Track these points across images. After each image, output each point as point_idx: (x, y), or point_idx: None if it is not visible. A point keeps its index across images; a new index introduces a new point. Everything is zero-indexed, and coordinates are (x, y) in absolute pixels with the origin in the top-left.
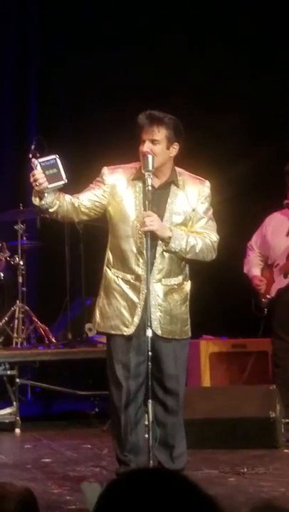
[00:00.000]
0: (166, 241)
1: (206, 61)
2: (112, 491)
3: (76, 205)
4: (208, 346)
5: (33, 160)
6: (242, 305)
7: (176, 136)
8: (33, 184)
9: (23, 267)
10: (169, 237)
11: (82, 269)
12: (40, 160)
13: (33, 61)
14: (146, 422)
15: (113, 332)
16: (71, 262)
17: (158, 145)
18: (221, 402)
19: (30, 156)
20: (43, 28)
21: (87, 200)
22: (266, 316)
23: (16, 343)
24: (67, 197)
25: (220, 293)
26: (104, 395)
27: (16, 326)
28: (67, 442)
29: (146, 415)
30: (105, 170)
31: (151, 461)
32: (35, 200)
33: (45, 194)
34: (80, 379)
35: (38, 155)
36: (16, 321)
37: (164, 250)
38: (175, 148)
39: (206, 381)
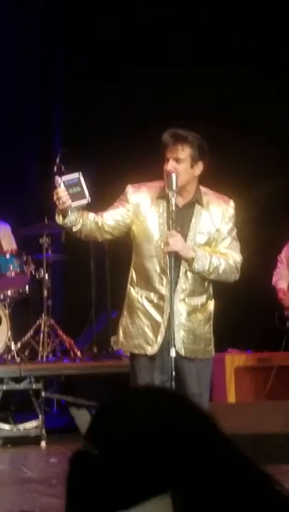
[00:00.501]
0: (190, 262)
1: (231, 79)
2: (105, 411)
3: (100, 224)
4: (234, 360)
5: (57, 178)
6: (268, 319)
7: (200, 154)
8: (57, 203)
9: (48, 281)
10: (193, 258)
11: (108, 282)
12: (64, 178)
13: (58, 74)
14: None
15: (136, 351)
16: (96, 275)
17: (182, 164)
18: (245, 418)
19: (55, 169)
20: (68, 40)
21: (111, 219)
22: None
23: (42, 357)
24: (91, 215)
25: (245, 307)
26: None
27: (41, 340)
28: None
29: None
30: (129, 188)
31: None
32: (59, 219)
33: (69, 212)
34: (106, 391)
35: (62, 168)
36: (42, 335)
37: (187, 271)
38: (199, 167)
39: (231, 395)
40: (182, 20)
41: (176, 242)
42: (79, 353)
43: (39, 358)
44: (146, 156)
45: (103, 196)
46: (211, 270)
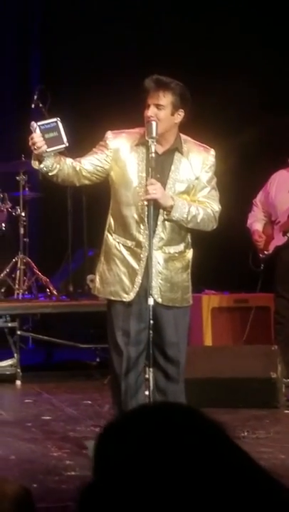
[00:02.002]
0: (168, 210)
1: (213, 25)
2: (109, 433)
3: (77, 169)
4: (210, 301)
5: (32, 123)
6: (244, 260)
7: (182, 102)
8: (32, 147)
9: (24, 218)
10: (171, 206)
11: (85, 220)
12: (40, 123)
13: (36, 12)
14: (147, 391)
15: (113, 298)
16: (73, 213)
17: (162, 110)
18: (222, 362)
19: (33, 106)
20: None
21: (89, 164)
22: (263, 271)
23: (18, 294)
24: (69, 160)
25: (222, 251)
26: (105, 348)
27: (17, 277)
28: (68, 397)
29: (146, 382)
30: (109, 134)
31: None
32: (35, 164)
33: (45, 158)
34: (81, 330)
35: (40, 105)
36: (18, 272)
37: (165, 219)
38: (180, 115)
39: (208, 336)
40: None
41: (156, 190)
42: (55, 291)
43: (15, 295)
44: (127, 101)
45: (82, 141)
46: (189, 219)
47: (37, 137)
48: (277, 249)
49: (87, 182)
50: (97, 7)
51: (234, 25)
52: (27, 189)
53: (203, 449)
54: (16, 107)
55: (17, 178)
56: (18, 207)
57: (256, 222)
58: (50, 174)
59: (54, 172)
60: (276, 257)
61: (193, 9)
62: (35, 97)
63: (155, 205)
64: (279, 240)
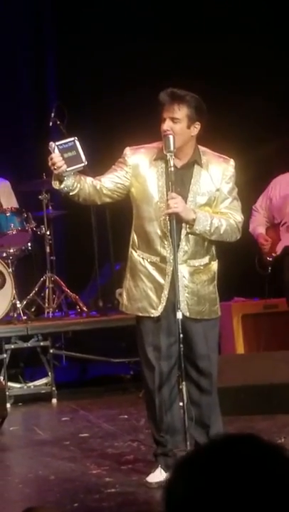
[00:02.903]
0: (191, 223)
1: (231, 38)
2: (179, 470)
3: (98, 187)
4: (240, 308)
5: (51, 143)
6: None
7: (197, 115)
8: (52, 168)
9: (50, 237)
10: (193, 220)
11: (110, 234)
12: (58, 143)
13: (52, 27)
14: (181, 403)
15: (140, 314)
16: (98, 228)
17: (178, 124)
18: (256, 369)
19: (51, 123)
20: None
21: (110, 182)
22: (270, 275)
23: (48, 313)
24: (89, 179)
25: (249, 256)
26: (138, 361)
27: (46, 296)
28: (104, 412)
29: (180, 396)
30: (127, 150)
31: (188, 442)
32: (55, 184)
33: (65, 177)
34: (113, 344)
35: (58, 122)
36: (46, 291)
37: (188, 233)
38: (196, 128)
39: (240, 344)
40: None
41: (177, 204)
42: (85, 308)
43: (45, 314)
44: (145, 116)
45: (101, 157)
46: (212, 231)
47: (56, 157)
48: (287, 249)
49: (108, 200)
50: (113, 21)
51: (253, 38)
52: (50, 207)
53: (270, 479)
54: (34, 126)
55: (40, 197)
56: (42, 226)
57: (259, 226)
58: (71, 194)
59: (75, 192)
60: (286, 257)
61: (211, 22)
62: (53, 114)
63: (177, 219)
64: (287, 240)
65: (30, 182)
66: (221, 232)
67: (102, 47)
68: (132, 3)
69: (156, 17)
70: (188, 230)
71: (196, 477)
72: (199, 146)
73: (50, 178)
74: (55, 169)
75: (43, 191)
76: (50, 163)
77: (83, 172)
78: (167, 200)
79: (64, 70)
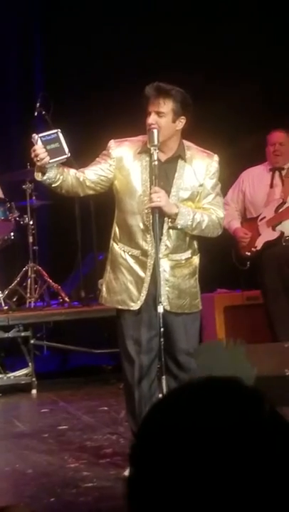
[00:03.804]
0: (173, 217)
1: (217, 30)
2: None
3: (81, 179)
4: (223, 300)
5: (34, 135)
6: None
7: (183, 109)
8: (34, 159)
9: (33, 227)
10: (176, 214)
11: (93, 225)
12: (41, 134)
13: (38, 18)
14: (161, 396)
15: (120, 307)
16: (81, 218)
17: (163, 117)
18: None
19: (36, 113)
20: None
21: (93, 174)
22: (249, 269)
23: (30, 303)
24: (72, 171)
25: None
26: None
27: (28, 286)
28: (84, 404)
29: (160, 390)
30: (112, 143)
31: None
32: (38, 176)
33: (48, 169)
34: (95, 334)
35: (43, 112)
36: (29, 281)
37: (170, 227)
38: (182, 122)
39: (222, 335)
40: None
41: (160, 198)
42: (67, 298)
43: (27, 304)
44: (131, 109)
45: (86, 148)
46: (194, 226)
47: (39, 149)
48: (267, 244)
49: (91, 192)
50: (100, 13)
51: (239, 31)
52: (34, 197)
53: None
54: (19, 116)
55: (23, 186)
56: (25, 216)
57: (234, 220)
58: (53, 185)
59: (58, 183)
60: (265, 252)
61: (195, 17)
62: (38, 104)
63: (160, 213)
64: (268, 235)
65: (14, 172)
66: (203, 227)
67: (89, 38)
68: None
69: (141, 10)
70: (170, 224)
71: (169, 422)
72: (184, 141)
73: (34, 168)
74: (37, 161)
75: (27, 181)
76: (32, 155)
77: (68, 164)
78: (150, 193)
79: (51, 60)
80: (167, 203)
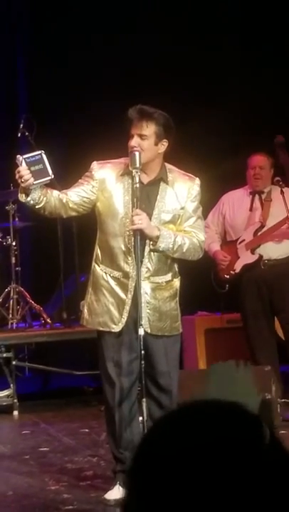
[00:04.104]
0: (154, 240)
1: (198, 55)
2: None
3: (64, 201)
4: (203, 322)
5: (18, 156)
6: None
7: (165, 132)
8: (19, 181)
9: (15, 248)
10: (157, 237)
11: (76, 246)
12: (25, 156)
13: (23, 39)
14: (141, 418)
15: (101, 328)
16: (64, 240)
17: (146, 140)
18: None
19: (19, 134)
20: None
21: (76, 195)
22: (228, 291)
23: (12, 324)
24: (55, 193)
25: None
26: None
27: (10, 307)
28: (65, 426)
29: (140, 412)
30: (94, 165)
31: None
32: (22, 197)
33: (32, 190)
34: (76, 355)
35: (26, 134)
36: (11, 302)
37: (151, 249)
38: (164, 145)
39: (202, 358)
40: None
41: (141, 221)
42: (49, 319)
43: (9, 325)
44: (113, 131)
45: (69, 169)
46: (175, 249)
47: (23, 170)
48: (246, 267)
49: (74, 213)
50: (83, 36)
51: (218, 55)
52: (17, 219)
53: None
54: (3, 137)
55: (6, 207)
56: (8, 237)
57: (213, 243)
58: (37, 207)
59: (41, 205)
60: (244, 275)
61: (178, 39)
62: (21, 125)
63: (141, 236)
64: (247, 258)
65: None
66: (184, 250)
67: (72, 60)
68: (103, 18)
69: (124, 32)
70: (151, 246)
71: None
72: (166, 164)
73: (18, 188)
74: (22, 182)
75: (10, 202)
76: (17, 176)
77: (50, 185)
78: (132, 216)
79: (34, 81)
80: (148, 225)
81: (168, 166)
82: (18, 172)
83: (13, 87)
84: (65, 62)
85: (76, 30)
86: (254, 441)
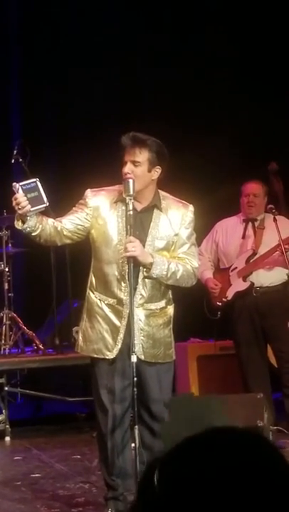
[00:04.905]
0: (148, 267)
1: (192, 84)
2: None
3: (59, 228)
4: (196, 349)
5: (14, 184)
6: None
7: (158, 159)
8: (16, 208)
9: (8, 274)
10: (151, 264)
11: (69, 272)
12: (21, 183)
13: (16, 65)
14: (133, 445)
15: (96, 355)
16: (57, 266)
17: (139, 167)
18: None
19: (13, 160)
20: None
21: (70, 223)
22: (220, 319)
23: (4, 349)
24: (50, 220)
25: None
26: (92, 400)
27: (3, 333)
28: (57, 452)
29: (132, 440)
30: (88, 192)
31: None
32: (18, 224)
33: (28, 218)
34: (69, 381)
35: (20, 160)
36: (4, 328)
37: (145, 276)
38: (157, 172)
39: (195, 384)
40: (147, 20)
41: (135, 248)
42: (41, 345)
43: (1, 351)
44: (108, 157)
45: (63, 195)
46: (168, 276)
47: (21, 197)
48: (238, 294)
49: (68, 241)
50: (78, 61)
51: (215, 81)
52: (10, 245)
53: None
54: None
55: None
56: (1, 262)
57: (206, 270)
58: (33, 234)
59: (37, 232)
60: (236, 302)
61: (175, 66)
62: (15, 151)
63: (135, 263)
64: (239, 285)
65: None
66: (178, 277)
67: (66, 86)
68: (98, 39)
69: (119, 61)
70: (145, 273)
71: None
72: (159, 191)
73: (11, 215)
74: (19, 209)
75: (3, 228)
76: (14, 203)
77: (45, 212)
78: (125, 243)
79: (28, 107)
80: (142, 252)
81: (161, 192)
82: (16, 199)
83: (6, 113)
84: (59, 88)
85: (71, 57)
86: (274, 465)
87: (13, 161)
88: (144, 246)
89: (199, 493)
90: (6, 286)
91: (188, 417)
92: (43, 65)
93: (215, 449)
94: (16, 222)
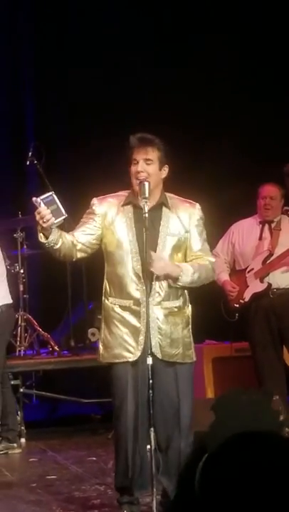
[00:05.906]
0: (175, 278)
1: (202, 84)
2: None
3: (74, 242)
4: (212, 351)
5: (35, 198)
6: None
7: (166, 157)
8: (40, 222)
9: (23, 275)
10: (180, 275)
11: (84, 273)
12: (41, 197)
13: (29, 68)
14: (149, 447)
15: (117, 361)
16: (72, 267)
17: (152, 165)
18: None
19: (28, 162)
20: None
21: (82, 235)
22: (238, 320)
23: (19, 351)
24: (67, 235)
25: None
26: (108, 402)
27: (18, 334)
28: (73, 454)
29: (148, 442)
30: (94, 201)
31: (154, 489)
32: (41, 238)
33: (51, 231)
34: (84, 383)
35: (35, 162)
36: (19, 329)
37: (171, 285)
38: (165, 171)
39: (210, 386)
40: (147, 20)
41: (163, 267)
42: (56, 347)
43: (16, 352)
44: (117, 162)
45: (78, 199)
46: (195, 279)
47: (44, 210)
48: (255, 296)
49: (83, 255)
50: (90, 65)
51: (224, 84)
52: (25, 246)
53: None
54: (11, 164)
55: (14, 235)
56: (16, 264)
57: (223, 272)
58: (55, 248)
59: (58, 245)
60: (252, 304)
61: (183, 68)
62: (30, 153)
63: (165, 278)
64: (256, 287)
65: (6, 220)
66: (203, 278)
67: (80, 88)
68: (111, 45)
69: (129, 66)
70: (172, 283)
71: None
72: (164, 192)
73: (25, 216)
74: (44, 222)
75: (18, 229)
76: (37, 218)
77: (61, 225)
78: (152, 260)
79: (42, 109)
80: (171, 267)
81: (167, 193)
82: (39, 213)
83: (20, 115)
84: (73, 90)
85: (84, 62)
86: None
87: (28, 162)
88: (156, 244)
89: (239, 494)
90: (22, 287)
91: (236, 414)
92: (58, 69)
93: (257, 451)
94: (39, 235)
